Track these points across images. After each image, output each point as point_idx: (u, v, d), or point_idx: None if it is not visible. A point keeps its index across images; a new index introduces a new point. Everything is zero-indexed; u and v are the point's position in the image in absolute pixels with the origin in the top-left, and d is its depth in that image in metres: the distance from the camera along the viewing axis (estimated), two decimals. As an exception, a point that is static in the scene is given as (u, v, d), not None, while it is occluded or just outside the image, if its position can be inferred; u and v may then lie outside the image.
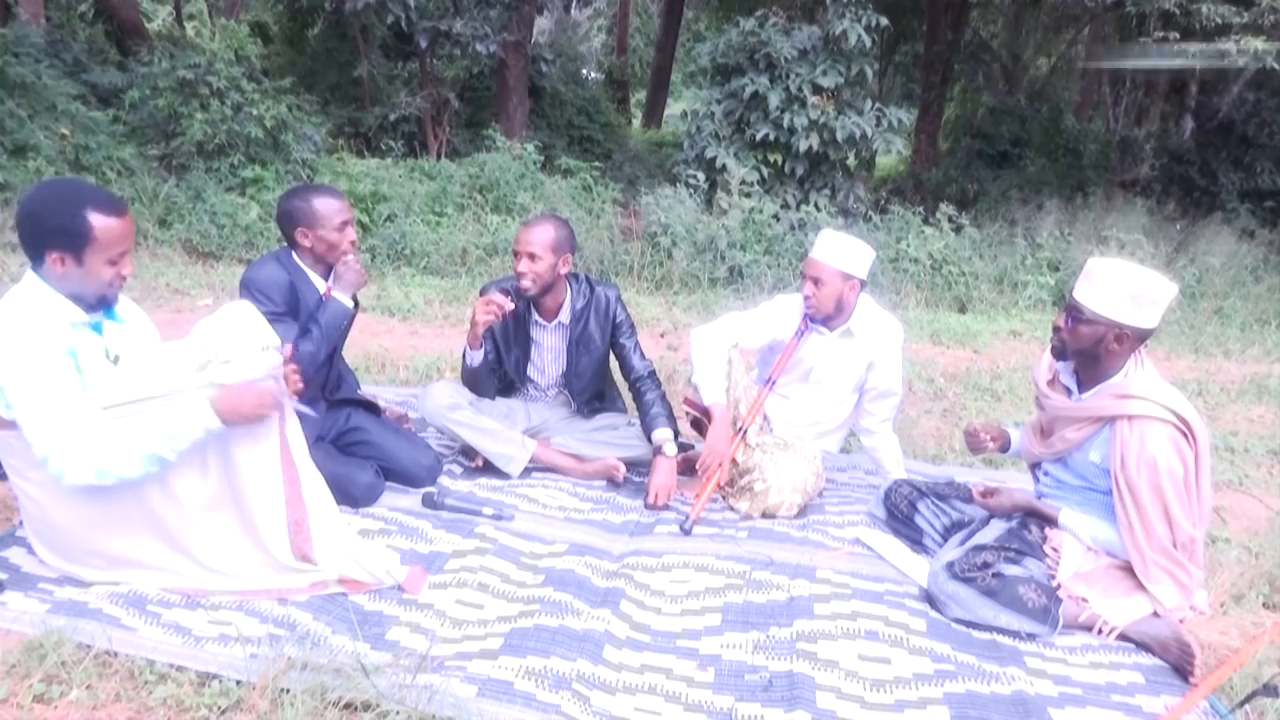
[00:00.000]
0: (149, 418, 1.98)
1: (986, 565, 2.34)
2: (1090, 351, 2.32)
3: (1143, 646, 2.28)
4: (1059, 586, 2.35)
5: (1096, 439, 2.37)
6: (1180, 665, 2.17)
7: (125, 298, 2.24)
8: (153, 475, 2.01)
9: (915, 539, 2.78)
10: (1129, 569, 2.35)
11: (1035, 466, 2.67)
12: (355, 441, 2.95)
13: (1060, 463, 2.51)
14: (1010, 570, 2.35)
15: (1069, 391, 2.47)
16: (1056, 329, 2.38)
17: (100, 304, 2.09)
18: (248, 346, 2.08)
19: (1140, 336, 2.28)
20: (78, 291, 2.04)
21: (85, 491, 2.02)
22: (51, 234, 1.96)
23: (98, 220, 1.97)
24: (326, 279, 2.85)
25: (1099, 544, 2.41)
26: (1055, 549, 2.42)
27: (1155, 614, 2.31)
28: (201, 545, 2.12)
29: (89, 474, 1.94)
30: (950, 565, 2.37)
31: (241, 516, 2.13)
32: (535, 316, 3.14)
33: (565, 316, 3.13)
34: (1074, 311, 2.31)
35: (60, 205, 1.97)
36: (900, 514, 2.84)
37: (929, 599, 2.41)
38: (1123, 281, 2.24)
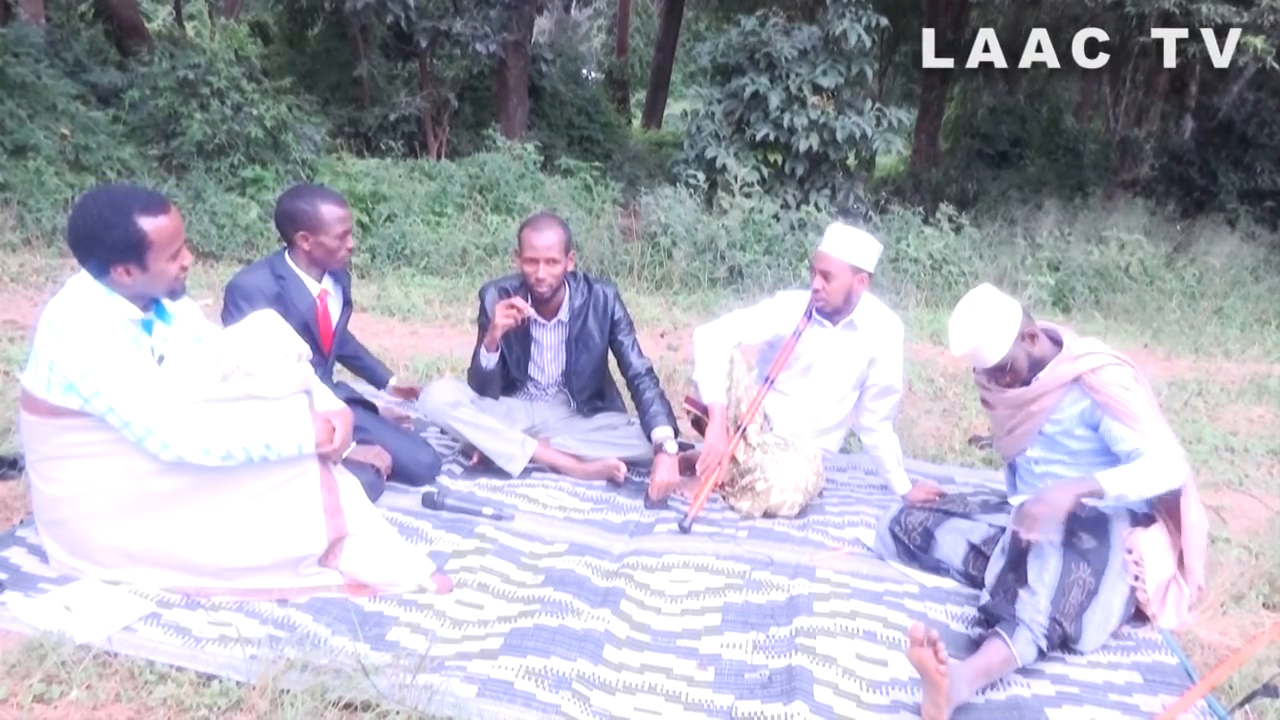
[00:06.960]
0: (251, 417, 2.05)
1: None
2: (1038, 365, 2.51)
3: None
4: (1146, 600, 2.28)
5: (1066, 399, 2.47)
6: None
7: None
8: (173, 466, 2.01)
9: (935, 570, 2.59)
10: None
11: (1012, 467, 2.73)
12: (354, 440, 2.94)
13: (1042, 442, 2.57)
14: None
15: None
16: (1005, 386, 2.54)
17: (170, 296, 2.14)
18: (272, 358, 2.09)
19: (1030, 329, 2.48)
20: (144, 293, 2.08)
21: (103, 485, 2.03)
22: (109, 249, 1.97)
23: (149, 224, 1.97)
24: (320, 281, 2.91)
25: (1146, 491, 2.27)
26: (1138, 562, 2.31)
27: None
28: (215, 539, 2.10)
29: (195, 450, 1.98)
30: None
31: (268, 502, 2.12)
32: (535, 315, 3.14)
33: (564, 314, 3.13)
34: (1008, 373, 2.49)
35: (111, 218, 1.96)
36: (915, 544, 2.63)
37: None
38: (983, 323, 2.42)
